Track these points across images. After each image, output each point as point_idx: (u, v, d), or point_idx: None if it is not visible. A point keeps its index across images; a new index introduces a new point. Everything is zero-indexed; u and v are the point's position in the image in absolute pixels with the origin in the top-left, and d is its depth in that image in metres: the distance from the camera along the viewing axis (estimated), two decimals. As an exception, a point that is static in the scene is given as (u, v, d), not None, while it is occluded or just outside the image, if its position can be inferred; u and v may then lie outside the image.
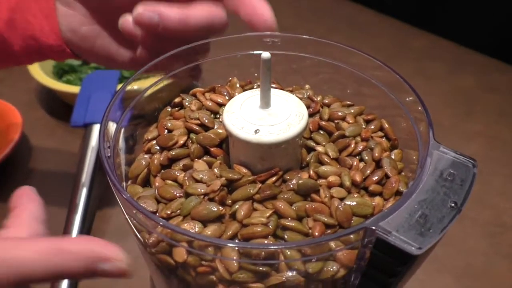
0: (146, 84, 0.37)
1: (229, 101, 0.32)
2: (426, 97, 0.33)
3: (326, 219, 0.28)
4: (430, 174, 0.27)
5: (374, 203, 0.29)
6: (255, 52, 0.39)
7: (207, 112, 0.35)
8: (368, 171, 0.31)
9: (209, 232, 0.27)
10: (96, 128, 0.60)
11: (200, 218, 0.28)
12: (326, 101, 0.38)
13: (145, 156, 0.33)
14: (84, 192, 0.55)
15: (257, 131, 0.29)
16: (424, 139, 0.30)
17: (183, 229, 0.27)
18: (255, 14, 0.37)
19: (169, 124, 0.34)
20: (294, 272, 0.26)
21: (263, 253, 0.26)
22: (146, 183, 0.33)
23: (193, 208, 0.29)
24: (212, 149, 0.32)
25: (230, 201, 0.29)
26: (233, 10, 0.38)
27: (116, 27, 0.38)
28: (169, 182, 0.31)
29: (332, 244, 0.26)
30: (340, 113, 0.36)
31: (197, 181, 0.30)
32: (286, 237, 0.28)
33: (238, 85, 0.39)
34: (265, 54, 0.28)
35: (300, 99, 0.32)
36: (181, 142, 0.33)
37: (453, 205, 0.25)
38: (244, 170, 0.30)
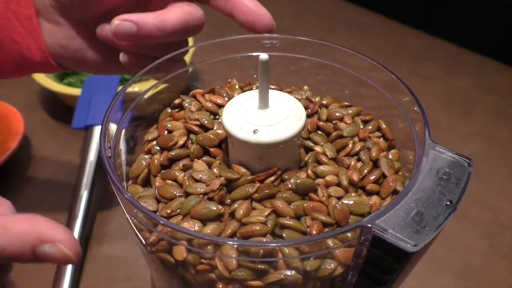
0: (146, 86, 0.37)
1: (228, 102, 0.32)
2: (424, 97, 0.33)
3: (323, 218, 0.28)
4: (426, 173, 0.27)
5: (371, 202, 0.30)
6: (254, 53, 0.39)
7: (206, 113, 0.36)
8: (366, 171, 0.32)
9: (208, 231, 0.28)
10: (97, 130, 0.61)
11: (200, 217, 0.29)
12: (325, 102, 0.39)
13: (146, 156, 0.34)
14: (85, 194, 0.56)
15: (256, 132, 0.29)
16: (420, 139, 0.31)
17: (183, 227, 0.28)
18: (252, 14, 0.37)
19: (169, 125, 0.35)
20: (293, 270, 0.27)
21: (261, 251, 0.26)
22: (147, 183, 0.33)
23: (192, 207, 0.29)
24: (211, 149, 0.33)
25: (229, 200, 0.30)
26: (228, 14, 0.38)
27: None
28: (169, 182, 0.32)
29: (330, 242, 0.27)
30: (338, 114, 0.36)
31: (196, 180, 0.31)
32: (284, 235, 0.28)
33: (237, 87, 0.40)
34: (263, 56, 0.29)
35: (299, 100, 0.33)
36: (181, 142, 0.34)
37: (448, 203, 0.26)
38: (243, 170, 0.31)
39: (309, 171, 0.31)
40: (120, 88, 0.63)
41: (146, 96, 0.37)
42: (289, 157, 0.32)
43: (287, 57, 0.40)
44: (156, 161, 0.33)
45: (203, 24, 0.38)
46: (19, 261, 0.25)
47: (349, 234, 0.26)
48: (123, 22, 0.35)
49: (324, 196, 0.30)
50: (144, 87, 0.37)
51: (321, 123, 0.35)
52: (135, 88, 0.36)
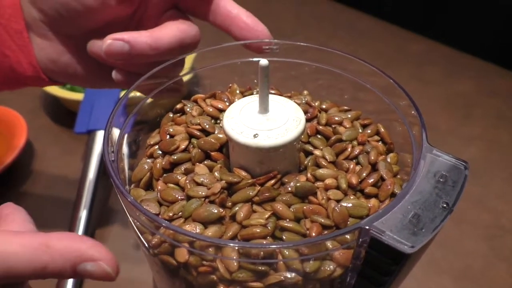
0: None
1: (229, 107, 0.33)
2: (424, 101, 0.34)
3: (323, 220, 0.29)
4: (423, 176, 0.28)
5: (370, 205, 0.30)
6: (255, 59, 0.40)
7: (207, 117, 0.36)
8: (364, 174, 0.32)
9: (209, 233, 0.28)
10: (99, 135, 0.62)
11: (201, 220, 0.29)
12: (324, 107, 0.39)
13: (148, 160, 0.34)
14: (88, 198, 0.56)
15: (256, 136, 0.30)
16: (418, 142, 0.31)
17: (185, 230, 0.28)
18: (249, 31, 0.37)
19: (171, 130, 0.35)
20: (292, 272, 0.27)
21: (262, 253, 0.26)
22: (149, 186, 0.34)
23: (194, 210, 0.29)
24: (212, 153, 0.33)
25: (230, 203, 0.30)
26: (226, 30, 0.38)
27: None
28: (171, 185, 0.32)
29: (329, 244, 0.27)
30: (337, 118, 0.37)
31: (198, 184, 0.31)
32: (284, 237, 0.28)
33: (238, 91, 0.40)
34: (263, 61, 0.29)
35: (299, 104, 0.33)
36: (183, 146, 0.34)
37: (445, 205, 0.26)
38: (243, 173, 0.31)
39: (309, 175, 0.32)
40: (122, 93, 0.63)
41: (148, 101, 0.38)
42: (289, 161, 0.32)
43: (287, 62, 0.40)
44: (158, 165, 0.33)
45: (198, 41, 0.38)
46: (59, 277, 0.26)
47: (347, 236, 0.26)
48: (114, 41, 0.34)
49: (324, 199, 0.30)
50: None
51: (321, 127, 0.36)
52: (137, 93, 0.37)
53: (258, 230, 0.28)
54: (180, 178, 0.32)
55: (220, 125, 0.35)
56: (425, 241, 0.24)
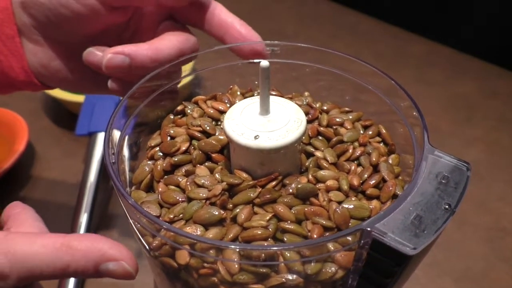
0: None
1: (230, 108, 0.33)
2: (426, 103, 0.34)
3: (324, 222, 0.29)
4: (425, 177, 0.28)
5: (371, 206, 0.30)
6: (256, 60, 0.40)
7: (208, 119, 0.36)
8: (366, 175, 0.32)
9: (210, 235, 0.28)
10: (100, 137, 0.62)
11: (202, 221, 0.29)
12: (325, 108, 0.39)
13: (149, 162, 0.34)
14: (89, 200, 0.56)
15: (257, 137, 0.30)
16: (419, 144, 0.31)
17: (186, 232, 0.28)
18: (243, 39, 0.38)
19: (172, 131, 0.35)
20: (294, 274, 0.27)
21: (263, 255, 0.26)
22: (150, 188, 0.34)
23: (195, 212, 0.29)
24: (213, 155, 0.33)
25: (231, 205, 0.30)
26: (220, 39, 0.39)
27: None
28: (172, 187, 0.32)
29: (330, 245, 0.27)
30: (338, 119, 0.37)
31: (199, 186, 0.31)
32: (285, 239, 0.28)
33: (239, 93, 0.40)
34: (264, 63, 0.29)
35: (300, 106, 0.33)
36: (184, 148, 0.34)
37: (447, 207, 0.26)
38: (244, 175, 0.31)
39: (310, 176, 0.32)
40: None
41: (148, 103, 0.38)
42: (290, 162, 0.32)
43: (288, 64, 0.40)
44: (159, 167, 0.33)
45: (197, 50, 0.38)
46: (82, 276, 0.27)
47: (349, 238, 0.26)
48: (115, 55, 0.34)
49: (325, 200, 0.30)
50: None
51: (322, 128, 0.35)
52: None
53: (259, 232, 0.28)
54: (181, 180, 0.32)
55: (221, 126, 0.35)
56: (427, 243, 0.24)
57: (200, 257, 0.28)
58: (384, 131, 0.36)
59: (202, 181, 0.31)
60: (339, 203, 0.30)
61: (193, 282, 0.29)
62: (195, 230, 0.29)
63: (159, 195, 0.31)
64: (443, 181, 0.27)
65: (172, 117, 0.38)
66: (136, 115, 0.36)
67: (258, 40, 0.38)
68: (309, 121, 0.36)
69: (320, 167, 0.33)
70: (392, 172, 0.33)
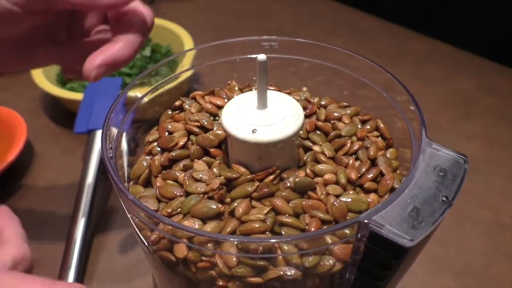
0: (146, 90, 0.38)
1: (227, 102, 0.33)
2: (424, 99, 0.33)
3: (322, 215, 0.29)
4: (422, 170, 0.28)
5: (369, 200, 0.30)
6: (253, 56, 0.40)
7: (206, 114, 0.36)
8: (364, 169, 0.32)
9: (208, 229, 0.28)
10: (99, 134, 0.61)
11: (200, 215, 0.29)
12: (323, 103, 0.39)
13: (147, 157, 0.34)
14: (88, 197, 0.56)
15: (255, 131, 0.30)
16: (417, 137, 0.31)
17: (184, 225, 0.28)
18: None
19: (170, 126, 0.35)
20: (292, 267, 0.27)
21: (261, 248, 0.26)
22: (148, 183, 0.34)
23: (193, 206, 0.29)
24: (211, 149, 0.33)
25: (229, 199, 0.30)
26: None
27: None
28: (170, 182, 0.32)
29: (328, 238, 0.27)
30: (336, 114, 0.37)
31: (197, 180, 0.31)
32: (283, 232, 0.28)
33: (236, 88, 0.40)
34: (261, 56, 0.29)
35: (298, 101, 0.33)
36: (181, 143, 0.34)
37: (444, 199, 0.26)
38: (242, 169, 0.31)
39: (308, 170, 0.32)
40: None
41: (147, 99, 0.38)
42: (288, 156, 0.32)
43: (286, 59, 0.40)
44: (157, 161, 0.33)
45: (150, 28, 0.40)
46: None
47: (347, 231, 0.26)
48: (99, 69, 0.37)
49: (323, 194, 0.30)
50: (143, 91, 0.38)
51: (320, 123, 0.35)
52: (137, 93, 0.37)
53: (257, 225, 0.28)
54: (178, 174, 0.32)
55: (219, 121, 0.35)
56: (425, 235, 0.24)
57: (198, 251, 0.28)
58: (382, 125, 0.36)
59: (200, 175, 0.31)
60: (337, 196, 0.30)
61: (191, 275, 0.29)
62: (193, 224, 0.29)
63: (157, 190, 0.31)
64: (440, 173, 0.27)
65: (170, 112, 0.38)
66: (134, 111, 0.36)
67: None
68: (307, 116, 0.36)
69: (318, 161, 0.33)
70: (390, 166, 0.33)
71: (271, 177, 0.31)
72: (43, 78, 0.70)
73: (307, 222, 0.29)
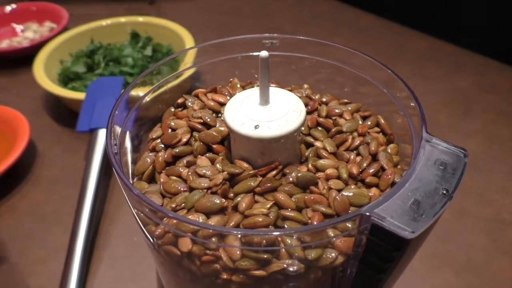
0: (148, 88, 0.38)
1: (230, 99, 0.33)
2: (424, 97, 0.34)
3: (324, 209, 0.29)
4: (423, 164, 0.28)
5: (370, 194, 0.31)
6: (255, 53, 0.40)
7: (209, 111, 0.37)
8: (365, 164, 0.32)
9: (212, 223, 0.29)
10: (101, 133, 0.62)
11: (204, 210, 0.29)
12: (324, 100, 0.39)
13: (150, 154, 0.35)
14: (91, 196, 0.57)
15: (257, 127, 0.30)
16: (418, 133, 0.32)
17: (188, 219, 0.28)
18: None
19: (173, 123, 0.36)
20: (295, 260, 0.28)
21: (264, 241, 0.27)
22: (152, 179, 0.34)
23: (197, 201, 0.30)
24: (214, 146, 0.34)
25: (232, 194, 0.30)
26: None
27: None
28: (174, 177, 0.32)
29: (330, 231, 0.27)
30: (337, 110, 0.37)
31: (200, 176, 0.31)
32: (286, 226, 0.29)
33: (238, 86, 0.40)
34: (264, 53, 0.30)
35: (299, 97, 0.34)
36: (185, 140, 0.34)
37: (444, 192, 0.26)
38: (245, 164, 0.32)
39: (310, 165, 0.32)
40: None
41: (149, 97, 0.38)
42: (290, 152, 0.32)
43: (287, 57, 0.41)
44: (160, 158, 0.34)
45: None
46: None
47: (349, 224, 0.27)
48: None
49: (325, 188, 0.30)
50: (145, 90, 0.38)
51: (321, 119, 0.36)
52: (139, 92, 0.37)
53: (260, 219, 0.28)
54: (182, 170, 0.32)
55: (222, 118, 0.36)
56: (426, 227, 0.25)
57: (203, 244, 0.28)
58: (383, 121, 0.37)
59: (203, 171, 0.31)
60: (339, 191, 0.30)
61: (195, 269, 0.29)
62: (197, 219, 0.29)
63: (161, 186, 0.32)
64: (441, 167, 0.28)
65: (173, 109, 0.39)
66: (137, 108, 0.37)
67: None
68: (308, 113, 0.37)
69: (319, 157, 0.33)
70: (391, 161, 0.33)
71: (274, 172, 0.31)
72: (45, 78, 0.71)
73: (310, 216, 0.29)
